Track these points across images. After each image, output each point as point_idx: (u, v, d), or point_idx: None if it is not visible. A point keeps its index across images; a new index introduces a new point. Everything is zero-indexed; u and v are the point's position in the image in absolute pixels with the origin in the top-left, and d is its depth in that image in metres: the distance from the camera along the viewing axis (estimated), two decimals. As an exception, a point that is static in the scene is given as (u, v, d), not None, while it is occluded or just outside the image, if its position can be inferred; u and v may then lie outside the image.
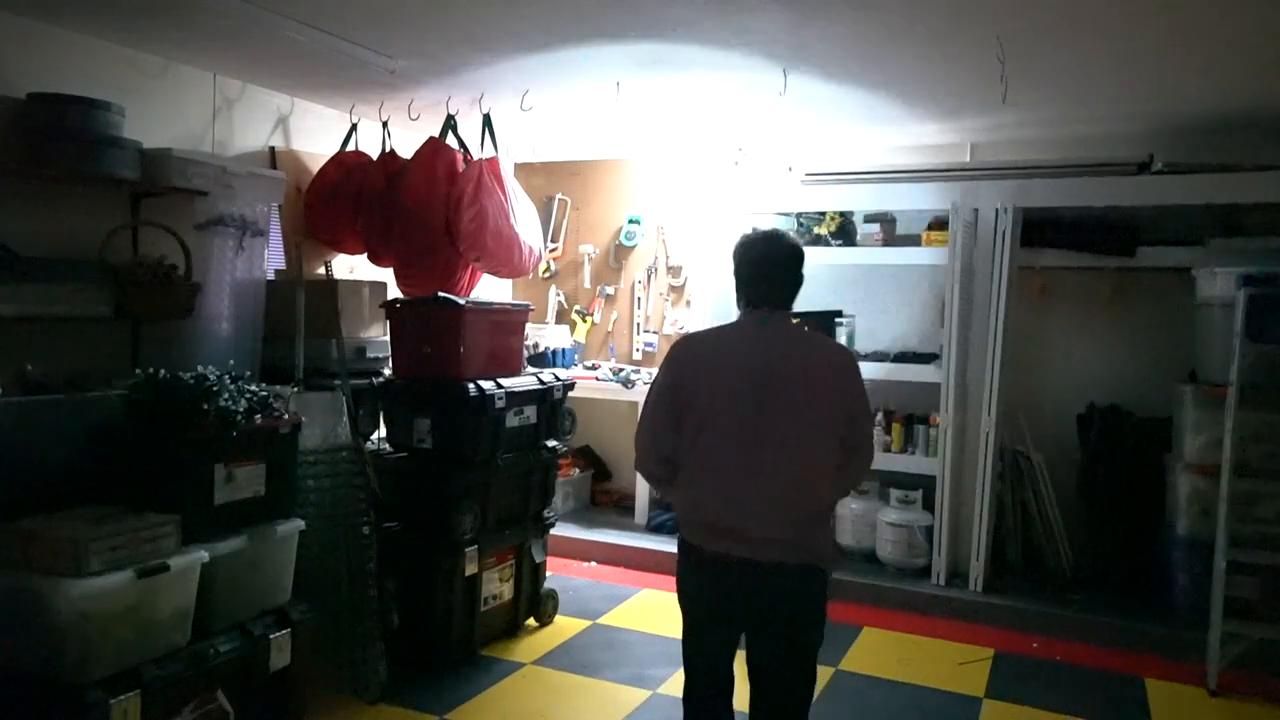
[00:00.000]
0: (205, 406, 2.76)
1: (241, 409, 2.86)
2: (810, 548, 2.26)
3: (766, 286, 2.34)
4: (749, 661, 2.37)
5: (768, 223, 5.19)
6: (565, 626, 4.20)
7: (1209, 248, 4.40)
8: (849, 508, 4.96)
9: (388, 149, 4.51)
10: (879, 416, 4.99)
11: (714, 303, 5.34)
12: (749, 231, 2.42)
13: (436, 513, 3.63)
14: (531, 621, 4.18)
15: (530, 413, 4.03)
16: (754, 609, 2.29)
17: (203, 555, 2.68)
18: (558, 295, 6.20)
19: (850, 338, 5.08)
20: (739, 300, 2.41)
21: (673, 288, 5.94)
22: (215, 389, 2.83)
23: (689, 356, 2.38)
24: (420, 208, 4.15)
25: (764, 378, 2.25)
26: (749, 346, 2.32)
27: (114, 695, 2.39)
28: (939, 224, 4.84)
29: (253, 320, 3.81)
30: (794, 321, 2.42)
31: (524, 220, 4.36)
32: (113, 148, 3.25)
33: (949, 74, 3.72)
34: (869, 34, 3.22)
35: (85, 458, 2.81)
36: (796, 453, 2.24)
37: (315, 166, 4.48)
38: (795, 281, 2.35)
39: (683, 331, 5.70)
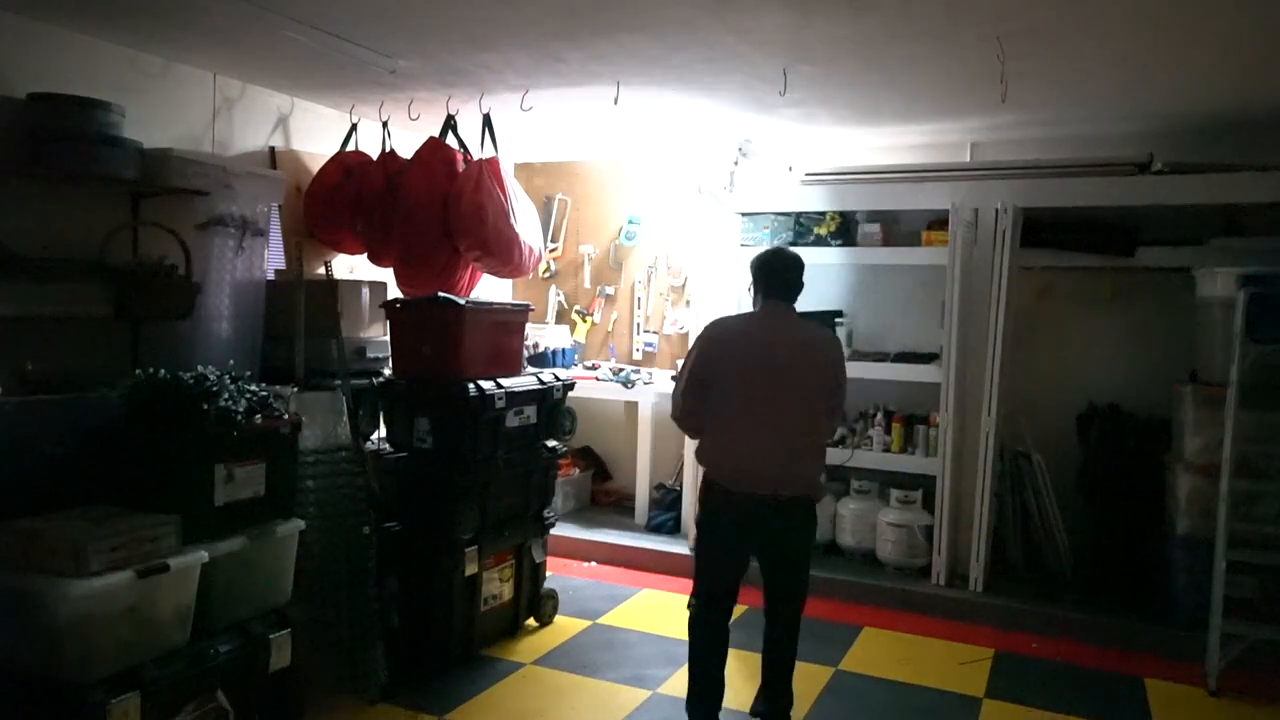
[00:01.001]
0: (205, 406, 2.76)
1: (241, 409, 2.86)
2: (809, 484, 2.99)
3: (780, 286, 3.06)
4: (764, 578, 3.06)
5: (768, 221, 5.24)
6: (565, 626, 4.20)
7: (1209, 248, 4.40)
8: (849, 507, 4.96)
9: (388, 149, 4.51)
10: (878, 416, 5.00)
11: (714, 302, 5.33)
12: (764, 249, 3.22)
13: (436, 513, 3.63)
14: (531, 621, 4.18)
15: (530, 413, 4.02)
16: (763, 532, 2.98)
17: (203, 555, 2.68)
18: (558, 295, 6.20)
19: (850, 338, 5.08)
20: (755, 298, 3.14)
21: (673, 288, 5.94)
22: (215, 389, 2.83)
23: (717, 338, 3.06)
24: (420, 208, 4.16)
25: (775, 356, 2.95)
26: (764, 332, 3.03)
27: (114, 695, 2.39)
28: (939, 224, 4.83)
29: (253, 320, 3.81)
30: (794, 315, 3.11)
31: (524, 220, 4.36)
32: (113, 148, 3.25)
33: (949, 74, 3.72)
34: (869, 34, 3.22)
35: (85, 458, 2.81)
36: (799, 412, 2.94)
37: (315, 166, 4.48)
38: (799, 283, 3.09)
39: (683, 332, 5.78)
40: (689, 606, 3.08)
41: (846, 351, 5.00)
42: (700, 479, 3.12)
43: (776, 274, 3.07)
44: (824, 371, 3.01)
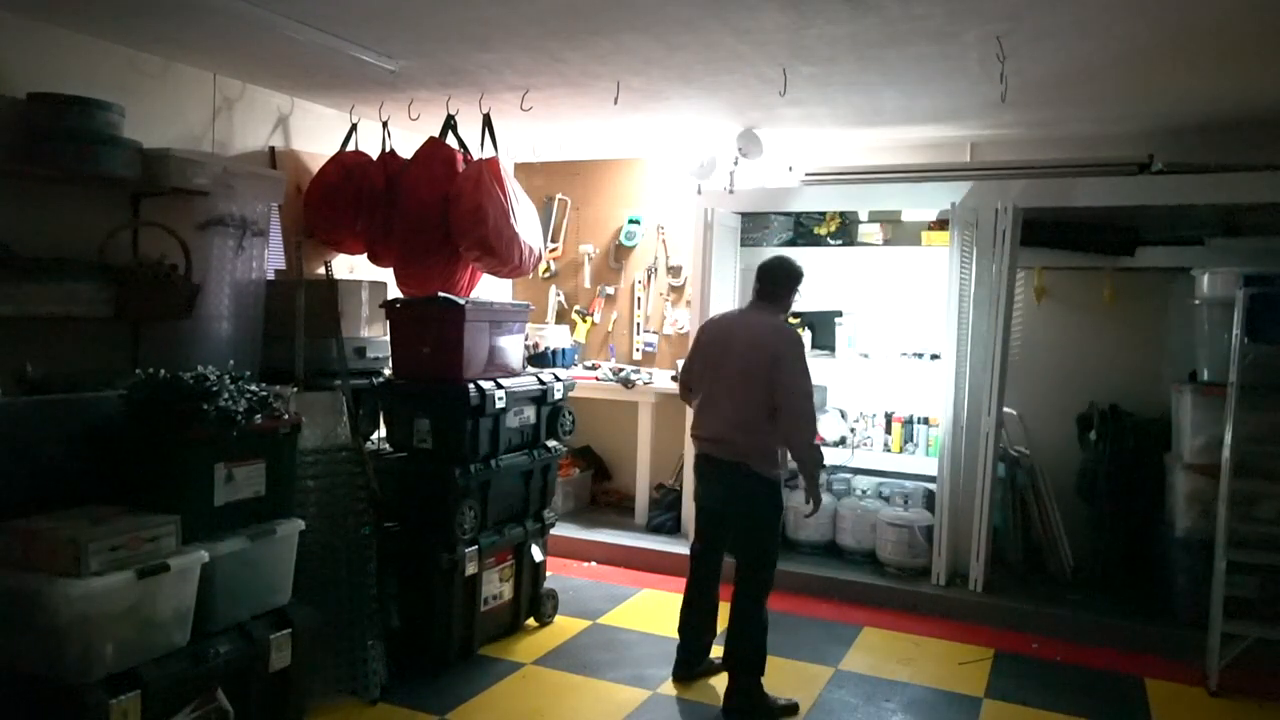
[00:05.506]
0: (205, 406, 2.76)
1: (241, 409, 2.85)
2: (743, 453, 3.38)
3: (760, 288, 3.58)
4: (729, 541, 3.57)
5: (768, 221, 5.24)
6: (565, 626, 4.20)
7: (1209, 248, 4.40)
8: (849, 508, 4.96)
9: (388, 149, 4.51)
10: (879, 416, 5.00)
11: (714, 302, 5.33)
12: (770, 256, 3.69)
13: (436, 513, 3.63)
14: (531, 621, 4.18)
15: (530, 413, 4.03)
16: (716, 490, 3.52)
17: (203, 555, 2.68)
18: (558, 295, 6.20)
19: (850, 338, 5.08)
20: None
21: (673, 288, 5.94)
22: (215, 389, 2.83)
23: (703, 329, 3.73)
24: (420, 208, 4.16)
25: (729, 347, 3.48)
26: (733, 327, 3.57)
27: (114, 695, 2.39)
28: (939, 224, 4.84)
29: (253, 320, 3.81)
30: (763, 313, 3.56)
31: (524, 220, 4.35)
32: (113, 148, 3.25)
33: (949, 74, 3.72)
34: (869, 34, 3.22)
35: (85, 458, 2.81)
36: (739, 393, 3.41)
37: (315, 166, 4.48)
38: (772, 289, 3.55)
39: (683, 331, 5.80)
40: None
41: (847, 352, 5.04)
42: None
43: (759, 279, 3.59)
44: (762, 363, 3.36)
